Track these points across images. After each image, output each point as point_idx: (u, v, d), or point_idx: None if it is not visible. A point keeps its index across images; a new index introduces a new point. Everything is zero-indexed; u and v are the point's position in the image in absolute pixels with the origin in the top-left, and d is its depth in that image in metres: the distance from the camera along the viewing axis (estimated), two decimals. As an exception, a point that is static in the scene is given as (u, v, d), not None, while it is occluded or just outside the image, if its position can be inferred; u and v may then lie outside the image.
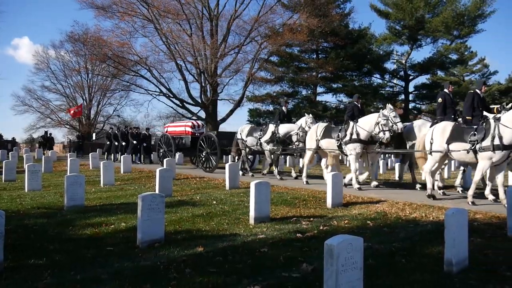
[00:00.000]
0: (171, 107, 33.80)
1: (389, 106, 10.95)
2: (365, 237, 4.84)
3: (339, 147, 11.69)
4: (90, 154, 20.09)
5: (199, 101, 31.18)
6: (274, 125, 14.07)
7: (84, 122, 43.82)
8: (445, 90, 10.91)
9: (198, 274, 4.34)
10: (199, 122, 20.31)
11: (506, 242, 5.66)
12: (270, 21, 30.09)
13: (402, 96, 38.76)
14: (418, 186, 11.48)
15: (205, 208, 8.38)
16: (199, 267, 4.59)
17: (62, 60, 42.91)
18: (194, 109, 32.19)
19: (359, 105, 12.40)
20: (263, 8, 29.34)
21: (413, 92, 38.80)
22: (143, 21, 29.05)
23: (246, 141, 15.16)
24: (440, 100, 10.74)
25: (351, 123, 11.46)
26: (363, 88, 35.42)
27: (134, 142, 22.05)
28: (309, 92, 37.28)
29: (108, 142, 24.67)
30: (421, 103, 40.16)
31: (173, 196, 10.19)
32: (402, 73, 38.55)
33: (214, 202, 9.22)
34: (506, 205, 6.96)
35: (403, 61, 38.36)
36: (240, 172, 14.69)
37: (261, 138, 14.40)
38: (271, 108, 35.90)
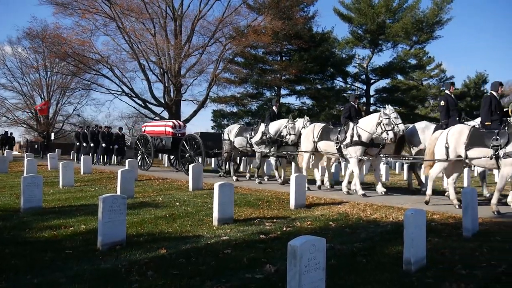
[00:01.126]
0: (133, 107, 33.33)
1: (389, 106, 10.30)
2: (327, 237, 4.91)
3: (339, 150, 10.86)
4: (48, 155, 19.47)
5: (162, 101, 30.87)
6: (264, 124, 13.22)
7: (42, 121, 42.36)
8: (446, 91, 10.43)
9: (160, 277, 4.28)
10: (180, 122, 18.82)
11: (461, 242, 5.86)
12: (234, 22, 30.18)
13: (364, 99, 39.61)
14: (424, 189, 10.33)
15: (168, 210, 8.28)
16: (161, 269, 4.53)
17: (19, 57, 41.23)
18: (157, 109, 31.88)
19: (356, 105, 11.52)
20: (228, 9, 29.38)
21: (374, 96, 39.74)
22: (105, 19, 28.52)
23: (233, 142, 14.17)
24: (442, 103, 10.24)
25: (351, 124, 10.57)
26: (325, 91, 36.00)
27: (104, 145, 20.93)
28: (273, 94, 37.51)
29: (77, 143, 23.03)
30: (381, 106, 41.10)
31: (135, 197, 10.03)
32: (363, 76, 39.43)
33: (177, 203, 9.13)
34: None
35: (365, 65, 39.26)
36: (234, 177, 13.97)
37: (251, 138, 13.47)
38: (235, 109, 35.93)
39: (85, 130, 22.85)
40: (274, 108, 14.12)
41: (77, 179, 13.53)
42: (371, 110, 39.07)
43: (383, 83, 41.18)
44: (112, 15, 27.73)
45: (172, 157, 19.27)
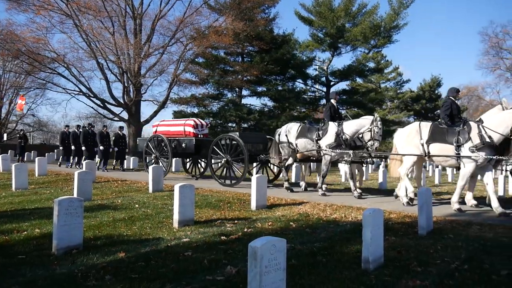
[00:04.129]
0: (92, 107, 32.44)
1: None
2: (288, 238, 4.95)
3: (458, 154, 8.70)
4: (0, 156, 18.67)
5: (122, 101, 30.28)
6: (336, 123, 10.98)
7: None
8: None
9: (119, 281, 4.19)
10: (202, 120, 16.25)
11: (417, 240, 6.04)
12: (195, 22, 30.01)
13: (324, 101, 40.25)
14: None
15: (127, 212, 8.12)
16: (120, 273, 4.43)
17: (-32, 54, 39.53)
18: (116, 109, 31.22)
19: (456, 100, 9.77)
20: (189, 9, 29.21)
21: (334, 98, 40.39)
22: (61, 16, 27.66)
23: (296, 144, 11.82)
24: None
25: (473, 124, 8.71)
26: (286, 93, 36.34)
27: (101, 148, 18.43)
28: (234, 95, 37.53)
29: (61, 147, 20.31)
30: (341, 108, 41.93)
31: (93, 200, 9.77)
32: (323, 79, 40.08)
33: (137, 205, 8.97)
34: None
35: (325, 68, 39.92)
36: (285, 184, 12.04)
37: (319, 140, 11.12)
38: (196, 110, 35.70)
39: (76, 130, 19.93)
40: (333, 101, 11.95)
41: (32, 181, 13.07)
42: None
43: (343, 85, 42.08)
44: (68, 12, 26.95)
45: (188, 162, 17.33)
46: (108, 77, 30.11)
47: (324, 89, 40.38)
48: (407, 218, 7.70)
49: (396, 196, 9.67)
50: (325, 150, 10.89)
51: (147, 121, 31.81)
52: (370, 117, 10.70)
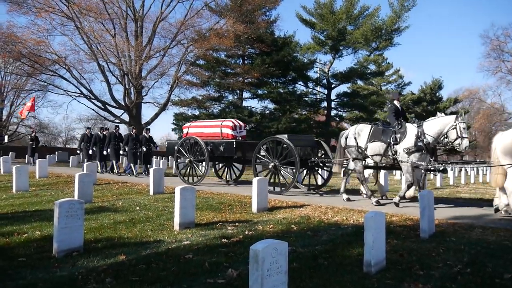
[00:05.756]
0: (93, 109, 32.50)
1: None
2: (289, 241, 4.92)
3: None
4: (1, 158, 18.66)
5: (123, 103, 30.32)
6: (416, 124, 9.40)
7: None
8: None
9: (119, 284, 4.17)
10: (240, 122, 14.77)
11: (419, 243, 6.00)
12: (196, 25, 30.11)
13: (325, 104, 40.26)
14: None
15: (128, 214, 8.10)
16: (120, 276, 4.41)
17: (-30, 56, 39.58)
18: (117, 111, 31.24)
19: None
20: (190, 12, 29.29)
21: (335, 100, 40.42)
22: (62, 19, 27.76)
23: (365, 149, 10.02)
24: None
25: None
26: (287, 95, 36.33)
27: (132, 150, 17.11)
28: (235, 97, 37.54)
29: (86, 148, 18.55)
30: (342, 110, 41.97)
31: (94, 202, 9.75)
32: (324, 81, 40.09)
33: (138, 208, 8.95)
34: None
35: (326, 70, 39.93)
36: (373, 199, 9.88)
37: (396, 144, 9.38)
38: (197, 112, 35.70)
39: (99, 132, 18.82)
40: (396, 102, 10.56)
41: (32, 183, 13.05)
42: (332, 114, 39.81)
43: (344, 87, 42.14)
44: (69, 15, 27.02)
45: (220, 166, 16.22)
46: (109, 79, 30.26)
47: (325, 91, 40.37)
48: (409, 221, 7.66)
49: (496, 210, 8.27)
50: (402, 156, 9.28)
51: (148, 123, 31.85)
52: (423, 119, 9.47)
